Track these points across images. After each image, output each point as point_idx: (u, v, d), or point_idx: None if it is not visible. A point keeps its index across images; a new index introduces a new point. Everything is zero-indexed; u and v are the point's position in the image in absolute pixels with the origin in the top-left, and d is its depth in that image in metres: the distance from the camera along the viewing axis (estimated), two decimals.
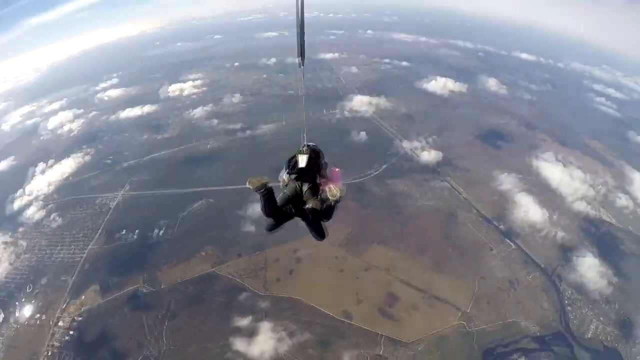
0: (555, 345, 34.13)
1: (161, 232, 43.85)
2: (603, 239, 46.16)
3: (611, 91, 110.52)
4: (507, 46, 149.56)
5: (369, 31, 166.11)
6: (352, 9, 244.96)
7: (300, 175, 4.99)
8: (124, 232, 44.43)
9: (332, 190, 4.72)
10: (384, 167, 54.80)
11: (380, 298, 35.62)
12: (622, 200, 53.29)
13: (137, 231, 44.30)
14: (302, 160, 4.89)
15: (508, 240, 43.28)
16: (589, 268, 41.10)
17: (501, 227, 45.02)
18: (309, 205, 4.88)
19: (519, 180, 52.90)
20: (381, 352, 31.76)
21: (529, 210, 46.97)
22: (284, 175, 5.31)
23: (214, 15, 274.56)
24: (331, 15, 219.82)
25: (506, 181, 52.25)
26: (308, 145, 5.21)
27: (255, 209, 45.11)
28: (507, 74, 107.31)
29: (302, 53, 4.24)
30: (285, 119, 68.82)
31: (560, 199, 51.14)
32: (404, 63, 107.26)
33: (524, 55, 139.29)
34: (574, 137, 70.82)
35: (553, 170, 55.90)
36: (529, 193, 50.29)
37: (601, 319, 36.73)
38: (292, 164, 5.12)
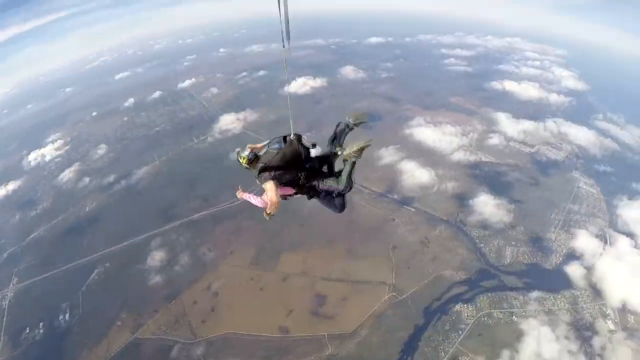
0: (483, 280, 59.16)
1: (67, 316, 59.05)
2: (488, 176, 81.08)
3: (458, 51, 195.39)
4: (357, 34, 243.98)
5: (221, 49, 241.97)
6: (200, 31, 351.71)
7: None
8: (27, 330, 58.47)
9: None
10: None
11: (308, 302, 53.86)
12: (494, 139, 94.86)
13: (41, 324, 58.91)
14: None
15: (406, 207, 70.25)
16: (486, 205, 72.08)
17: (395, 197, 72.43)
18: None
19: (398, 151, 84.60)
20: (330, 351, 48.77)
21: (415, 174, 76.83)
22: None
23: (62, 67, 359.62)
24: (180, 42, 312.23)
25: (386, 155, 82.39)
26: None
27: (156, 256, 64.12)
28: (362, 59, 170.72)
29: (286, 34, 7.81)
30: (158, 157, 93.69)
31: (440, 156, 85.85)
32: (261, 72, 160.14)
33: (374, 39, 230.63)
34: (437, 99, 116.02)
35: (426, 133, 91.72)
36: (411, 159, 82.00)
37: (513, 243, 65.87)
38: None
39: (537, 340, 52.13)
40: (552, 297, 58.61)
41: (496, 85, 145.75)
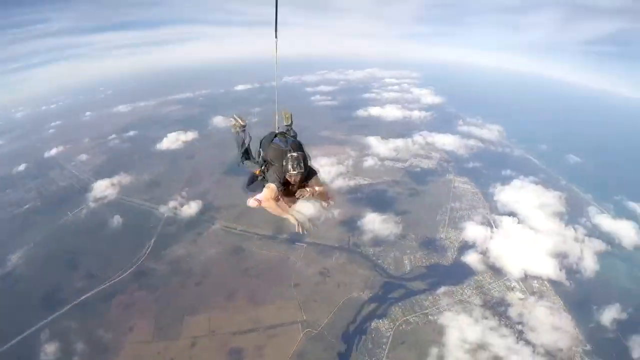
0: (390, 293, 62.97)
1: None
2: (370, 196, 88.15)
3: (322, 87, 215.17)
4: (224, 84, 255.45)
5: (87, 113, 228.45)
6: (65, 95, 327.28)
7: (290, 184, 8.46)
8: None
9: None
10: (152, 241, 76.71)
11: None
12: (369, 161, 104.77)
13: None
14: (296, 164, 8.08)
15: (298, 243, 72.69)
16: (374, 223, 78.14)
17: (285, 235, 74.54)
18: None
19: None
20: None
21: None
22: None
23: None
24: (44, 107, 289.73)
25: None
26: (285, 136, 9.42)
27: (48, 350, 56.02)
28: (231, 107, 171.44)
29: (275, 26, 8.58)
30: (32, 238, 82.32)
31: None
32: (131, 133, 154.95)
33: (241, 87, 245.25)
34: (308, 134, 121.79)
35: None
36: None
37: (408, 251, 71.92)
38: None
39: (459, 329, 56.98)
40: (459, 288, 65.12)
41: (362, 113, 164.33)
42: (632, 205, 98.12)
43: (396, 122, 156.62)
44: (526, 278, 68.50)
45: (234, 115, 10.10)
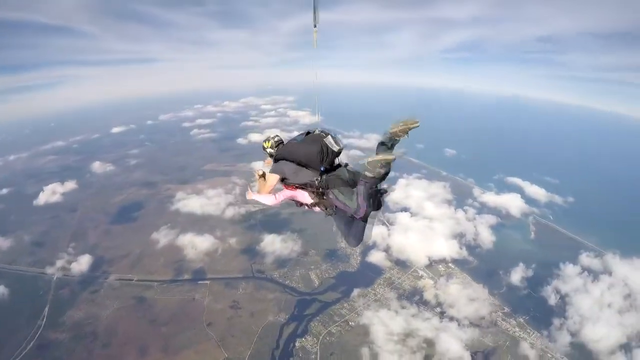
0: (305, 310, 60.95)
1: None
2: (264, 220, 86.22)
3: (200, 121, 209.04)
4: (98, 128, 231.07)
5: None
6: None
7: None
8: None
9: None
10: (47, 309, 65.41)
11: None
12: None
13: None
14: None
15: (201, 282, 67.71)
16: (273, 245, 76.18)
17: (186, 276, 69.15)
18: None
19: (171, 229, 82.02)
20: None
21: (195, 245, 75.89)
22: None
23: None
24: None
25: (161, 238, 78.98)
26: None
27: None
28: (108, 152, 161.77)
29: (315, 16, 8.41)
30: None
31: (213, 219, 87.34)
32: (4, 191, 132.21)
33: (116, 129, 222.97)
34: (192, 170, 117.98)
35: (192, 204, 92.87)
36: (185, 232, 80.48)
37: (312, 267, 70.81)
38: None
39: (383, 324, 58.10)
40: (371, 289, 66.36)
41: (243, 141, 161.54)
42: (511, 180, 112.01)
43: None
44: (431, 264, 72.52)
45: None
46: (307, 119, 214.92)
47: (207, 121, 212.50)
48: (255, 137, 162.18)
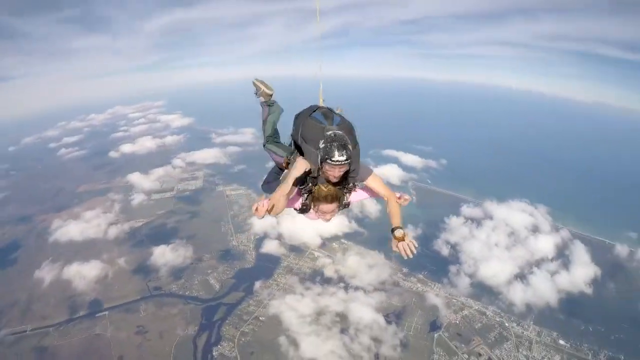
0: (213, 316, 59.56)
1: None
2: (151, 234, 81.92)
3: (67, 140, 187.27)
4: None
5: None
6: None
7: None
8: None
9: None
10: None
11: None
12: (136, 200, 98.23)
13: None
14: (341, 147, 5.57)
15: (98, 314, 61.94)
16: (164, 256, 72.87)
17: (81, 313, 62.62)
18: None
19: (52, 263, 73.84)
20: None
21: (83, 275, 69.72)
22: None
23: None
24: None
25: (44, 276, 70.65)
26: (332, 112, 6.52)
27: None
28: None
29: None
30: None
31: (97, 243, 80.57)
32: None
33: None
34: (66, 195, 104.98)
35: (71, 231, 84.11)
36: (70, 263, 72.94)
37: (209, 271, 69.33)
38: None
39: (292, 309, 59.24)
40: (272, 280, 67.25)
41: (114, 154, 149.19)
42: (387, 152, 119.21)
43: (152, 152, 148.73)
44: (325, 243, 75.04)
45: (256, 80, 7.87)
46: (178, 121, 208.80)
47: (74, 138, 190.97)
48: (128, 148, 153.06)
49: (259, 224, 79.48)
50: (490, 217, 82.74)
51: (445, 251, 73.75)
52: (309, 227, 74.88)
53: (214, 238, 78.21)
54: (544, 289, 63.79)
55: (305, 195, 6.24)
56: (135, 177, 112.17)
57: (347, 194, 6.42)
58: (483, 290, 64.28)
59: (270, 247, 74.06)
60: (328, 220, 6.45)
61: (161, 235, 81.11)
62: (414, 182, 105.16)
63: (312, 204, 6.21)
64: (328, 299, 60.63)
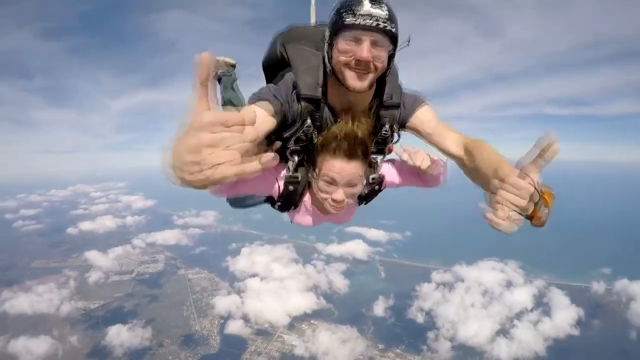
0: None
1: None
2: (105, 317, 75.80)
3: (24, 212, 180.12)
4: None
5: None
6: None
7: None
8: None
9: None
10: None
11: None
12: (93, 277, 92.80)
13: None
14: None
15: None
16: (118, 336, 67.77)
17: None
18: None
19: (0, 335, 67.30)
20: None
21: (30, 349, 63.66)
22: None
23: None
24: None
25: None
26: None
27: None
28: None
29: None
30: None
31: (48, 319, 74.22)
32: None
33: None
34: (18, 270, 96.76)
35: (21, 304, 77.36)
36: (16, 337, 66.50)
37: (170, 357, 64.33)
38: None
39: None
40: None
41: (72, 231, 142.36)
42: (350, 229, 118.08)
43: (111, 232, 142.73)
44: (293, 324, 71.61)
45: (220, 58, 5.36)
46: (140, 203, 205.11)
47: (32, 211, 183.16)
48: (87, 226, 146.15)
49: (223, 302, 77.55)
50: (462, 280, 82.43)
51: (420, 318, 72.02)
52: (276, 305, 73.50)
53: (175, 323, 73.56)
54: (529, 339, 63.00)
55: (296, 156, 3.14)
56: (93, 255, 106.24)
57: (379, 157, 3.37)
58: (466, 353, 62.64)
59: (235, 327, 70.56)
60: (339, 208, 2.99)
61: (118, 318, 75.68)
62: (380, 256, 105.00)
63: (312, 169, 3.06)
64: None
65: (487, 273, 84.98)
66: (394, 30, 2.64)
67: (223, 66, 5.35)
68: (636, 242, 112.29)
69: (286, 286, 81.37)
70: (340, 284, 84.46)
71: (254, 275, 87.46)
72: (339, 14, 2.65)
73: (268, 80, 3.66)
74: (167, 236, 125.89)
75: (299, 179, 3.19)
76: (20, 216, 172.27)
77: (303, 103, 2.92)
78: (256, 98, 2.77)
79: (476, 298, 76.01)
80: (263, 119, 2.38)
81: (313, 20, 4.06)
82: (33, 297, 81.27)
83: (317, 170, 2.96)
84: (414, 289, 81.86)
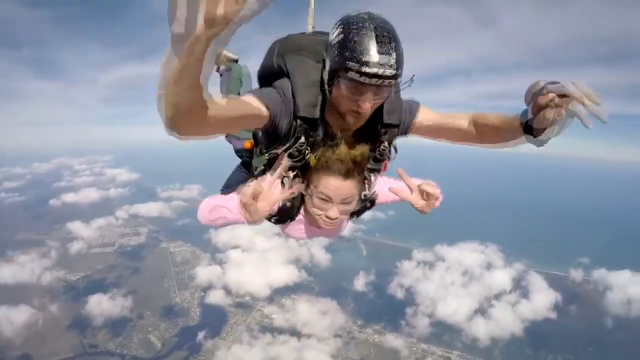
0: None
1: None
2: (89, 287, 75.30)
3: (7, 184, 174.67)
4: None
5: None
6: None
7: None
8: None
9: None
10: None
11: None
12: (75, 247, 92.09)
13: None
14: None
15: None
16: (99, 305, 67.44)
17: None
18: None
19: None
20: None
21: (11, 318, 62.52)
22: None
23: None
24: None
25: None
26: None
27: None
28: None
29: None
30: None
31: (27, 287, 73.74)
32: None
33: None
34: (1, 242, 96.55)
35: (3, 273, 76.63)
36: None
37: (150, 329, 64.24)
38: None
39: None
40: (220, 339, 62.11)
41: (55, 202, 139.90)
42: None
43: (94, 203, 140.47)
44: (274, 296, 71.74)
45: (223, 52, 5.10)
46: (124, 176, 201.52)
47: (14, 184, 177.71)
48: (70, 197, 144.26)
49: (204, 273, 77.53)
50: (443, 259, 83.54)
51: (400, 294, 72.86)
52: (257, 277, 73.34)
53: (156, 295, 72.99)
54: (506, 320, 64.23)
55: (291, 172, 2.99)
56: (75, 226, 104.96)
57: (373, 174, 3.24)
58: (444, 329, 63.57)
59: (216, 297, 70.45)
60: (332, 225, 2.99)
61: (99, 289, 74.75)
62: (363, 234, 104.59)
63: (307, 185, 3.00)
64: (279, 348, 57.37)
65: (468, 254, 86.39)
66: (399, 73, 2.34)
67: (225, 62, 5.25)
68: (617, 235, 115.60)
69: (268, 258, 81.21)
70: (322, 257, 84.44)
71: (236, 247, 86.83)
72: (342, 56, 2.29)
73: None
74: (151, 208, 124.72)
75: (296, 194, 3.06)
76: (4, 188, 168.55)
77: (299, 121, 2.74)
78: (259, 93, 2.71)
79: (456, 277, 77.28)
80: (257, 103, 2.54)
81: (311, 21, 4.24)
82: (15, 267, 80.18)
83: (312, 186, 2.93)
84: (395, 266, 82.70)
